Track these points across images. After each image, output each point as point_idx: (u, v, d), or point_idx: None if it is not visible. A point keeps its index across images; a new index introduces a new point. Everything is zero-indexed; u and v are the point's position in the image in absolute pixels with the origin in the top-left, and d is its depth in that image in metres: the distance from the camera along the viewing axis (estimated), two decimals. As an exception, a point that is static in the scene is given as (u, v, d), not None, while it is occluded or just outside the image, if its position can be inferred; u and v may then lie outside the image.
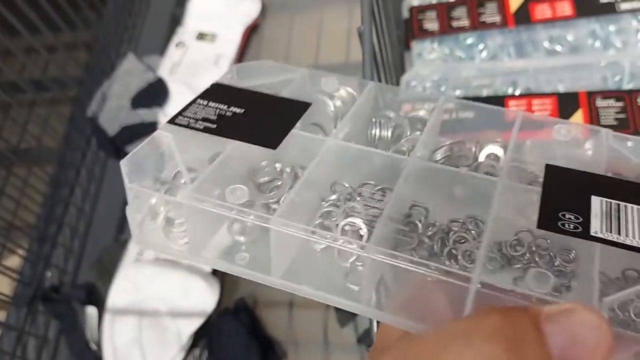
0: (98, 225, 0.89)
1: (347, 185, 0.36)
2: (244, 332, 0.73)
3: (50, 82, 0.90)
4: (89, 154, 0.94)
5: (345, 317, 0.75)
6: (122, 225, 0.88)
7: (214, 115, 0.37)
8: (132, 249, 0.80)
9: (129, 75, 0.92)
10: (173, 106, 0.89)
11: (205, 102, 0.38)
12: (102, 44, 1.00)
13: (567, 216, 0.30)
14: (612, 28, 0.61)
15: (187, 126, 0.36)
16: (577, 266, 0.32)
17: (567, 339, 0.24)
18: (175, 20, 1.02)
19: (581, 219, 0.30)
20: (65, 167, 0.92)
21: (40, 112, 0.91)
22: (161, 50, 0.97)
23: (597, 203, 0.31)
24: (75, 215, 0.89)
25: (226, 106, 0.37)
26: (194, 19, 0.98)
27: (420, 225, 0.33)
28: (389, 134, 0.39)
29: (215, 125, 0.36)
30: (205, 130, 0.36)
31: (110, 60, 0.99)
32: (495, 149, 0.37)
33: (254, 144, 0.35)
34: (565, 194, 0.32)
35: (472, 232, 0.33)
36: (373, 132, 0.39)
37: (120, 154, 0.92)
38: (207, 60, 0.92)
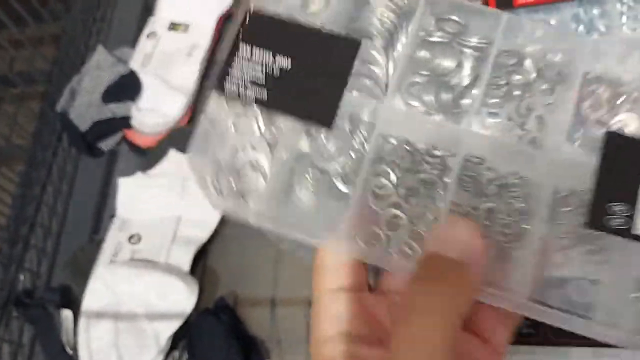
0: (71, 225, 0.86)
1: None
2: (224, 332, 0.71)
3: (17, 78, 0.87)
4: (60, 151, 0.91)
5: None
6: (96, 225, 0.85)
7: (262, 73, 0.36)
8: (106, 249, 0.78)
9: (99, 68, 0.89)
10: (145, 99, 0.86)
11: (249, 49, 0.36)
12: (70, 37, 0.96)
13: (616, 208, 0.32)
14: (595, 12, 0.59)
15: (238, 96, 0.36)
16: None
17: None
18: (147, 10, 0.98)
19: (629, 213, 0.32)
20: (35, 166, 0.88)
21: (7, 109, 0.88)
22: (132, 41, 0.93)
23: None
24: (48, 215, 0.86)
25: (271, 56, 0.36)
26: (165, 9, 0.94)
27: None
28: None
29: (265, 93, 0.36)
30: (258, 102, 0.36)
31: (79, 54, 0.95)
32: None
33: (308, 120, 0.36)
34: (621, 175, 0.32)
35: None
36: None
37: (93, 150, 0.89)
38: (180, 51, 0.88)
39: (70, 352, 0.74)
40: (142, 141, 0.86)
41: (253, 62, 0.36)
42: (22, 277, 0.81)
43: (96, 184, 0.88)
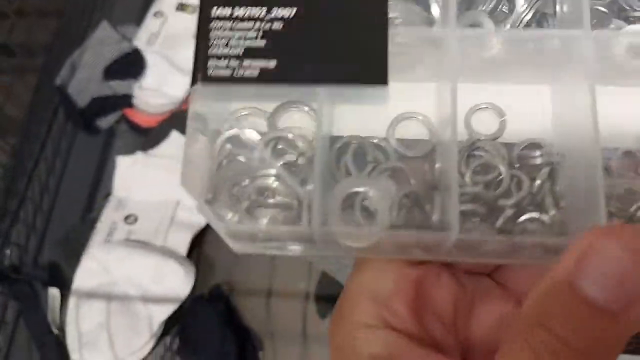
0: (64, 202, 0.84)
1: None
2: (219, 320, 0.70)
3: (17, 47, 0.84)
4: (55, 125, 0.88)
5: (326, 307, 0.72)
6: (90, 203, 0.83)
7: (257, 36, 0.26)
8: (101, 228, 0.75)
9: (102, 44, 0.87)
10: (149, 78, 0.84)
11: (227, 12, 0.26)
12: (73, 10, 0.94)
13: None
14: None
15: (232, 78, 0.25)
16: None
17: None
18: (153, -12, 0.96)
19: None
20: (29, 139, 0.86)
21: (3, 79, 0.85)
22: (137, 19, 0.91)
23: None
24: (39, 190, 0.84)
25: (265, 10, 0.26)
26: (173, -12, 0.93)
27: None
28: None
29: (273, 63, 0.25)
30: (262, 78, 0.25)
31: (81, 28, 0.93)
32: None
33: (349, 81, 0.25)
34: None
35: None
36: None
37: (91, 126, 0.86)
38: (188, 33, 0.87)
39: (56, 331, 0.71)
40: (143, 121, 0.84)
41: (239, 25, 0.26)
42: (8, 251, 0.78)
43: (91, 161, 0.86)
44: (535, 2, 0.32)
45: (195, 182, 0.27)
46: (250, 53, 0.25)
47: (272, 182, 0.29)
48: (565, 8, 0.32)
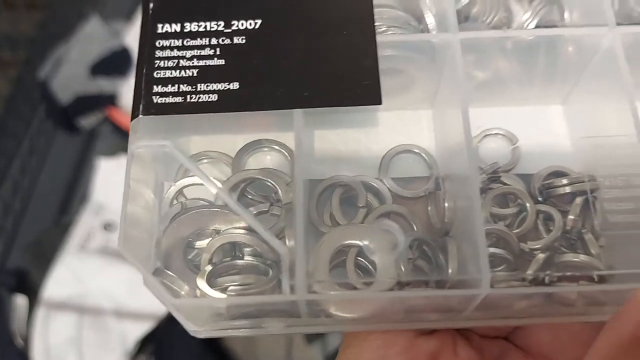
0: (37, 204, 0.79)
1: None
2: (198, 341, 0.65)
3: (0, 39, 0.80)
4: (34, 122, 0.83)
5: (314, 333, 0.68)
6: (64, 206, 0.78)
7: (214, 54, 0.21)
8: (76, 234, 0.71)
9: (91, 40, 0.82)
10: (138, 79, 0.80)
11: (177, 28, 0.22)
12: (62, 1, 0.89)
13: None
14: None
15: (184, 105, 0.21)
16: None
17: None
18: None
19: None
20: (5, 134, 0.81)
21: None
22: (127, 14, 0.87)
23: None
24: (12, 189, 0.78)
25: (223, 24, 0.21)
26: (168, -13, 0.89)
27: None
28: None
29: (236, 85, 0.21)
30: (222, 105, 0.21)
31: (69, 21, 0.88)
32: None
33: (336, 103, 0.21)
34: None
35: None
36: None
37: (72, 125, 0.82)
38: (182, 34, 0.83)
39: (21, 343, 0.66)
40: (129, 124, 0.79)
41: (191, 46, 0.22)
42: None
43: (69, 162, 0.81)
44: (540, 9, 0.29)
45: (139, 248, 0.23)
46: (207, 75, 0.21)
47: (241, 239, 0.23)
48: (575, 14, 0.29)
